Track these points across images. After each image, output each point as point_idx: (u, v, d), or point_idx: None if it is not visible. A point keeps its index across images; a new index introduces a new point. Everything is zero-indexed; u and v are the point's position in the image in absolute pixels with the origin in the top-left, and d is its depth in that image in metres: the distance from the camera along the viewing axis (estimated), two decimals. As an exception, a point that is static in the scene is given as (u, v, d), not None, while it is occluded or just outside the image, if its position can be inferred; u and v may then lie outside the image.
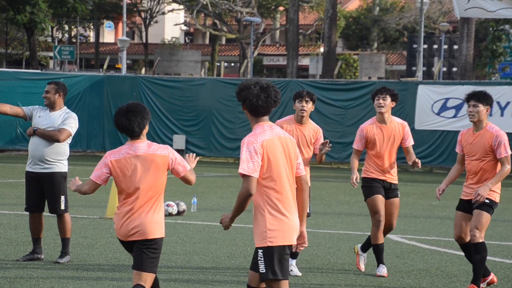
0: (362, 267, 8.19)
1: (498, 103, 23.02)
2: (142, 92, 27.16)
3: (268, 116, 5.33)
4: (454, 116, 23.47)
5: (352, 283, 7.80)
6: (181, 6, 50.18)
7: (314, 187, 18.86)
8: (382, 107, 8.11)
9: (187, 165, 5.80)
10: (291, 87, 26.01)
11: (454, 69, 32.91)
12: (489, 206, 7.34)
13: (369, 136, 8.09)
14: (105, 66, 31.28)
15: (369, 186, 8.06)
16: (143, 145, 5.68)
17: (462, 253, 9.58)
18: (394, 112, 29.85)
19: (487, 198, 7.35)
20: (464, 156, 7.54)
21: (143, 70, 51.78)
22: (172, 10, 51.25)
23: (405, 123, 8.43)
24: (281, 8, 50.34)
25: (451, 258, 9.28)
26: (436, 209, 14.51)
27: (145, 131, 5.72)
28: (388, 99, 8.18)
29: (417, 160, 7.92)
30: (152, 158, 5.66)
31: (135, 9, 49.85)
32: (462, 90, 23.76)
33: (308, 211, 8.01)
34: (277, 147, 5.12)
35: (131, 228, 5.65)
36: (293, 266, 7.98)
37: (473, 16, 25.96)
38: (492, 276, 7.52)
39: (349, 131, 25.28)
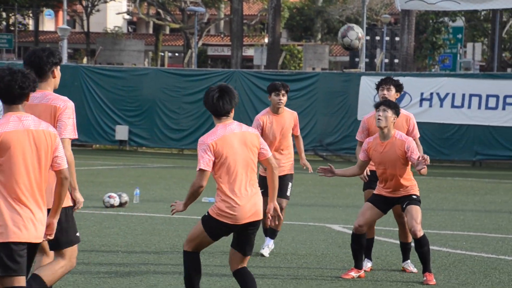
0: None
1: (437, 94, 23.42)
2: (83, 81, 26.81)
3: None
4: (396, 107, 23.82)
5: (294, 273, 7.87)
6: (124, -5, 49.60)
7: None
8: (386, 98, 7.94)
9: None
10: (236, 78, 26.01)
11: (396, 60, 33.35)
12: (418, 201, 7.61)
13: (370, 128, 8.00)
14: (46, 55, 30.71)
15: (370, 181, 8.07)
16: (234, 124, 5.74)
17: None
18: (337, 103, 30.21)
19: (413, 194, 7.63)
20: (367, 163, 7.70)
21: (84, 60, 51.08)
22: (114, -1, 50.64)
23: (411, 115, 8.11)
24: (225, -2, 50.23)
25: (391, 247, 9.43)
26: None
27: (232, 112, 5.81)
28: (393, 89, 8.02)
29: (425, 156, 7.40)
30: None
31: (76, -3, 49.13)
32: (403, 81, 24.09)
33: (287, 194, 8.58)
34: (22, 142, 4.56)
35: (250, 208, 5.69)
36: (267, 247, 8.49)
37: (414, 8, 26.32)
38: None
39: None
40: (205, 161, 5.58)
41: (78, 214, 11.11)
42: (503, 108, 22.76)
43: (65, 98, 5.36)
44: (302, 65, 43.03)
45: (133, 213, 11.74)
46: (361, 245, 7.57)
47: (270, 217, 5.76)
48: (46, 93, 5.31)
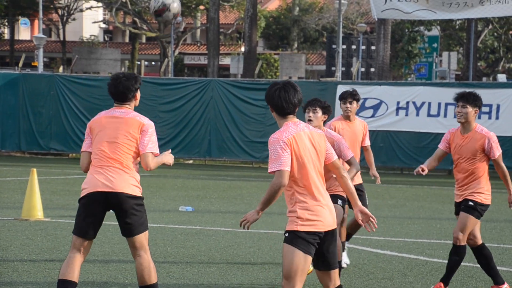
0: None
1: (413, 103, 23.58)
2: (59, 90, 26.66)
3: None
4: (372, 116, 23.91)
5: (272, 282, 7.85)
6: (100, 4, 49.49)
7: (235, 186, 18.95)
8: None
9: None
10: (212, 87, 26.01)
11: (372, 69, 33.55)
12: (473, 209, 7.27)
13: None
14: (20, 64, 30.55)
15: None
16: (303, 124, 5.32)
17: (379, 251, 9.78)
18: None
19: (471, 200, 7.32)
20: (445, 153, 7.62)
21: (60, 68, 50.79)
22: (90, 8, 50.48)
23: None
24: (201, 7, 50.26)
25: (368, 256, 9.45)
26: (354, 207, 14.74)
27: None
28: (319, 111, 8.00)
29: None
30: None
31: (51, 5, 48.89)
32: (379, 90, 24.25)
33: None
34: None
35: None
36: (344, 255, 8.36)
37: (390, 17, 26.50)
38: (506, 286, 7.42)
39: (270, 130, 25.42)
40: (284, 160, 5.07)
41: (54, 223, 11.04)
42: (479, 117, 22.93)
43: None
44: (279, 74, 43.11)
45: (110, 222, 11.66)
46: (457, 255, 7.28)
47: (363, 224, 5.25)
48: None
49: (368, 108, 24.10)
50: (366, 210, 5.28)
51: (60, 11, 49.72)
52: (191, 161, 27.06)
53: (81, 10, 50.67)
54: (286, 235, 5.17)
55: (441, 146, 7.58)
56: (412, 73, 40.27)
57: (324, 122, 7.88)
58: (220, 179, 20.82)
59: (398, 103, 23.52)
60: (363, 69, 33.98)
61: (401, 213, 14.18)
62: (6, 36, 55.27)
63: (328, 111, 7.82)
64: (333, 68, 32.56)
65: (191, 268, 8.34)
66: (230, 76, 45.52)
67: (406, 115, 23.55)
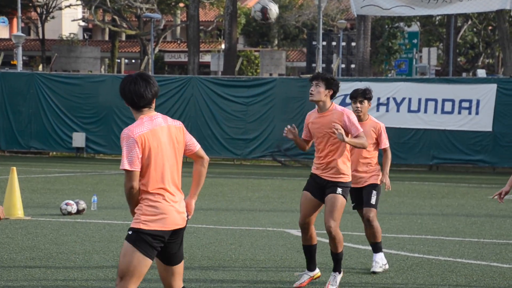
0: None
1: (394, 99, 23.66)
2: (39, 89, 26.49)
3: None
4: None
5: (253, 278, 7.86)
6: (79, 1, 49.22)
7: (217, 183, 18.92)
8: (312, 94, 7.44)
9: None
10: (193, 84, 25.96)
11: (353, 65, 33.62)
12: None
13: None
14: (-1, 62, 30.33)
15: None
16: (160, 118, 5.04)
17: (360, 246, 9.82)
18: (295, 108, 30.30)
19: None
20: None
21: (40, 67, 50.50)
22: (69, 6, 50.19)
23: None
24: (181, 5, 50.13)
25: (349, 251, 9.47)
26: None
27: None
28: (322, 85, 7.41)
29: None
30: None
31: (30, 4, 48.56)
32: (360, 86, 24.32)
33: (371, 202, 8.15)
34: None
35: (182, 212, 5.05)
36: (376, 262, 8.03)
37: (369, 14, 26.57)
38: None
39: (251, 127, 25.44)
40: (132, 159, 4.87)
41: (34, 221, 10.96)
42: (459, 112, 23.08)
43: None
44: (259, 71, 43.11)
45: (90, 220, 11.63)
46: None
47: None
48: None
49: (348, 104, 24.15)
50: (190, 203, 5.10)
51: (39, 9, 49.39)
52: (172, 159, 26.98)
53: (60, 8, 50.35)
54: (130, 232, 4.90)
55: None
56: (392, 69, 40.42)
57: (331, 97, 7.29)
58: (201, 176, 20.74)
59: (378, 99, 23.60)
60: (343, 66, 34.06)
61: (382, 208, 14.22)
62: (-15, 34, 54.83)
63: (332, 85, 7.26)
64: (313, 65, 32.60)
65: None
66: (211, 74, 45.44)
67: (387, 111, 23.63)
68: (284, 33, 53.55)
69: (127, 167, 4.85)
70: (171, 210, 4.93)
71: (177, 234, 4.96)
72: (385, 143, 8.15)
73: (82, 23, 60.84)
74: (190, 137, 5.13)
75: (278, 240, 10.26)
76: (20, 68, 29.01)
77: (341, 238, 7.35)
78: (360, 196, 8.15)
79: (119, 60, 54.43)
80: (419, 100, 23.34)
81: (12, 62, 42.03)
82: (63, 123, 26.36)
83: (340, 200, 7.26)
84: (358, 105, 8.08)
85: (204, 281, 7.63)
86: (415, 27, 43.81)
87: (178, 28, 57.54)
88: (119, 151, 26.72)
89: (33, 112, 26.13)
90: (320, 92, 7.34)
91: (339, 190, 7.28)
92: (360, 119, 8.03)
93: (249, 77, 29.78)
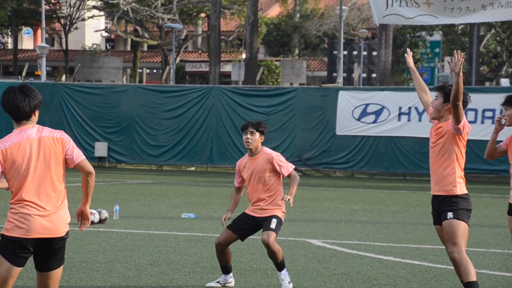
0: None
1: (416, 108, 23.56)
2: (62, 99, 26.69)
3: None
4: (374, 122, 23.91)
5: (277, 285, 7.84)
6: (102, 13, 49.57)
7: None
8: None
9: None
10: (214, 94, 26.02)
11: (374, 75, 33.53)
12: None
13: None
14: (23, 73, 30.60)
15: None
16: (34, 129, 5.09)
17: (382, 257, 9.77)
18: (315, 118, 30.29)
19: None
20: None
21: (63, 77, 50.86)
22: (92, 17, 50.57)
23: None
24: (202, 15, 50.32)
25: (371, 262, 9.42)
26: (357, 214, 14.73)
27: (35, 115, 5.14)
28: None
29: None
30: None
31: (54, 15, 48.99)
32: (381, 96, 24.24)
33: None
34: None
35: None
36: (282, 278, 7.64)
37: (392, 23, 26.50)
38: None
39: (271, 137, 25.42)
40: None
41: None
42: (482, 122, 22.93)
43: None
44: (280, 81, 43.12)
45: (113, 230, 11.67)
46: None
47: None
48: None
49: (370, 113, 24.08)
50: (83, 210, 5.21)
51: (62, 21, 49.82)
52: (193, 168, 27.05)
53: (83, 19, 50.77)
54: None
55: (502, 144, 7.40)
56: (414, 79, 40.17)
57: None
58: (222, 185, 20.80)
59: (400, 108, 23.50)
60: (364, 75, 33.99)
61: (404, 219, 14.16)
62: (10, 45, 55.36)
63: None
64: (334, 74, 32.55)
65: (194, 275, 8.33)
66: (232, 83, 45.51)
67: (409, 120, 23.52)
68: (305, 42, 53.54)
69: None
70: (32, 220, 4.98)
71: (45, 243, 5.01)
72: (287, 170, 7.60)
73: (105, 34, 61.26)
74: (72, 149, 5.14)
75: (299, 250, 10.24)
76: (44, 78, 29.26)
77: None
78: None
79: (141, 70, 54.72)
80: (441, 109, 23.21)
81: (36, 73, 42.41)
82: (85, 133, 26.52)
83: None
84: (249, 136, 7.64)
85: (226, 291, 7.62)
86: (437, 36, 43.63)
87: (199, 38, 57.73)
88: (141, 160, 27.00)
89: (56, 122, 26.32)
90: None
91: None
92: (251, 153, 7.65)
93: (270, 87, 29.80)
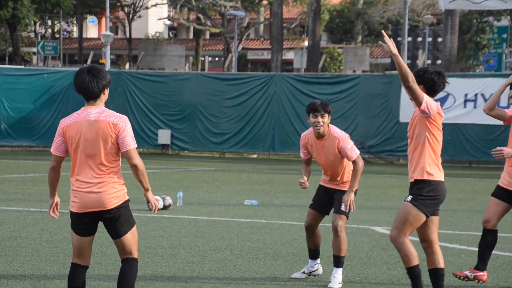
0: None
1: (482, 95, 23.10)
2: (126, 87, 27.05)
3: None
4: (439, 109, 23.57)
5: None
6: (165, 1, 50.01)
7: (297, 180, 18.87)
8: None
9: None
10: (276, 81, 26.00)
11: (439, 61, 33.00)
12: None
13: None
14: (88, 61, 31.18)
15: None
16: (96, 110, 5.41)
17: (448, 244, 9.62)
18: (379, 105, 30.04)
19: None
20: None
21: (127, 65, 51.55)
22: (155, 5, 51.06)
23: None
24: (265, 2, 50.27)
25: (458, 252, 9.28)
26: (421, 201, 14.55)
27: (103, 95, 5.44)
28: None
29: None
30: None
31: (118, 3, 49.62)
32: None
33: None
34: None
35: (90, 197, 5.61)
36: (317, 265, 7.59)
37: (459, 8, 26.00)
38: (483, 274, 7.34)
39: (334, 124, 25.24)
40: (56, 144, 5.42)
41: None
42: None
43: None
44: (343, 68, 42.83)
45: (176, 216, 11.79)
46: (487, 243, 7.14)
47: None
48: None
49: (435, 100, 23.73)
50: (145, 195, 5.50)
51: (126, 9, 50.44)
52: (255, 156, 27.12)
53: (147, 8, 51.30)
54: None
55: None
56: (480, 65, 39.46)
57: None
58: (284, 173, 20.80)
59: (466, 95, 23.09)
60: (429, 61, 33.47)
61: (470, 206, 13.93)
62: (75, 34, 56.36)
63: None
64: (398, 61, 32.12)
65: (257, 261, 8.36)
66: (294, 71, 45.39)
67: (475, 107, 23.09)
68: (368, 29, 53.01)
69: (51, 150, 5.43)
70: (82, 196, 5.34)
71: (98, 215, 5.36)
72: (352, 156, 7.36)
73: (168, 22, 61.81)
74: (124, 137, 5.35)
75: (363, 237, 10.17)
76: (108, 66, 29.70)
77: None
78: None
79: (203, 58, 55.07)
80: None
81: (100, 61, 43.07)
82: (149, 120, 26.84)
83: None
84: (320, 119, 7.40)
85: (288, 278, 7.62)
86: (504, 22, 42.62)
87: (262, 26, 57.71)
88: (204, 148, 27.19)
89: (120, 110, 26.69)
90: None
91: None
92: (318, 135, 7.44)
93: (332, 74, 29.63)
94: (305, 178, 7.48)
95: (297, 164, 24.52)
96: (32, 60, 51.99)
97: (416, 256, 6.19)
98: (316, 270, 7.60)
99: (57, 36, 50.52)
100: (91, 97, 5.40)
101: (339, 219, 7.31)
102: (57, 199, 5.52)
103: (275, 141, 25.95)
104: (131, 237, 5.41)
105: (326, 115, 7.41)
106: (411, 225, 6.13)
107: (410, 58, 32.94)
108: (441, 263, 6.30)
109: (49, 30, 52.00)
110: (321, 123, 7.36)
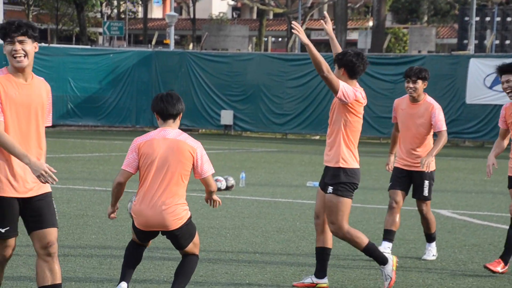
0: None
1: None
2: (190, 67, 27.22)
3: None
4: (507, 90, 23.05)
5: (404, 255, 7.73)
6: (229, -19, 49.99)
7: (363, 162, 18.73)
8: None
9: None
10: (340, 62, 25.80)
11: (507, 41, 32.23)
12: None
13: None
14: (153, 42, 31.41)
15: None
16: (174, 132, 5.50)
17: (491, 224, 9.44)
18: (444, 86, 29.55)
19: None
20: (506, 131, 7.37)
21: (190, 46, 51.80)
22: (219, -15, 51.13)
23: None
24: (329, -18, 49.82)
25: (503, 233, 9.11)
26: (488, 184, 14.30)
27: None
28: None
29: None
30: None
31: (182, -16, 49.86)
32: (515, 63, 23.31)
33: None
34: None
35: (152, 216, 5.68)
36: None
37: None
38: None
39: (398, 105, 25.02)
40: (128, 160, 5.42)
41: (187, 197, 11.32)
42: None
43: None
44: (407, 48, 42.22)
45: (239, 197, 11.85)
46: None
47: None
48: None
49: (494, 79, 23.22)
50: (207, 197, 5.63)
51: (190, -10, 50.64)
52: (317, 137, 27.01)
53: (210, -12, 51.36)
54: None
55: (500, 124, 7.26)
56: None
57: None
58: (348, 154, 20.68)
59: (535, 76, 22.52)
60: (497, 42, 32.73)
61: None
62: (140, 14, 56.94)
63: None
64: (465, 41, 31.52)
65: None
66: (358, 51, 44.85)
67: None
68: (434, 9, 52.08)
69: (122, 166, 5.43)
70: (145, 215, 5.37)
71: (166, 233, 5.45)
72: (440, 126, 7.50)
73: (231, 2, 61.87)
74: (203, 163, 5.44)
75: (427, 220, 10.03)
76: (172, 47, 29.92)
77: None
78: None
79: (266, 39, 55.00)
80: None
81: (164, 41, 43.44)
82: (212, 101, 26.98)
83: None
84: (411, 85, 7.54)
85: (352, 259, 7.58)
86: None
87: (326, 6, 57.28)
88: (266, 129, 27.21)
89: (184, 90, 26.90)
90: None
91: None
92: (413, 99, 7.60)
93: (397, 55, 29.24)
94: (391, 157, 7.82)
95: (360, 146, 24.32)
96: (98, 40, 52.78)
97: (364, 235, 6.27)
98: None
99: (123, 16, 51.11)
100: (170, 116, 5.45)
101: (423, 205, 7.66)
102: (117, 206, 5.57)
103: (338, 122, 25.80)
104: (192, 246, 5.54)
105: (419, 81, 7.51)
106: (344, 213, 6.20)
107: (478, 38, 32.26)
108: (330, 244, 6.39)
109: (115, 11, 52.63)
110: (413, 88, 7.51)
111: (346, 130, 6.20)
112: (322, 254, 6.39)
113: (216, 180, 12.38)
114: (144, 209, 5.36)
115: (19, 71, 4.62)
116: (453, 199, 12.12)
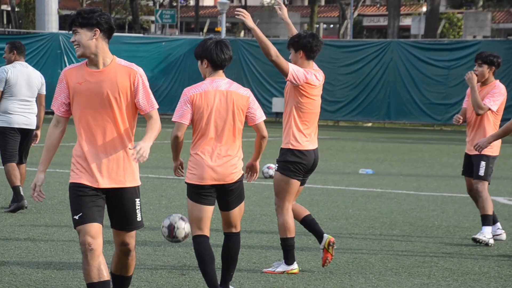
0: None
1: None
2: (241, 55, 27.25)
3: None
4: None
5: (459, 243, 7.63)
6: (280, -32, 49.74)
7: (416, 149, 18.55)
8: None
9: None
10: (392, 48, 25.52)
11: None
12: None
13: None
14: (205, 30, 31.56)
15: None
16: (224, 81, 5.39)
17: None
18: (501, 72, 29.23)
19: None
20: None
21: (242, 33, 51.89)
22: (271, -28, 51.02)
23: None
24: (381, -33, 49.28)
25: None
26: (545, 172, 14.01)
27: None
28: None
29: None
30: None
31: (234, -28, 49.87)
32: None
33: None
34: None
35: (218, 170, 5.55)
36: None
37: None
38: None
39: (452, 92, 24.64)
40: (182, 112, 5.30)
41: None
42: None
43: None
44: (462, 34, 41.55)
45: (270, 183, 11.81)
46: None
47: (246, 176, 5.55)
48: None
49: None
50: (253, 164, 5.55)
51: (241, -23, 50.62)
52: (370, 124, 26.80)
53: (262, -25, 51.32)
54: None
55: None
56: None
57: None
58: (400, 141, 20.48)
59: None
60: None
61: None
62: (192, 2, 57.18)
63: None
64: (521, 26, 30.89)
65: (373, 230, 8.28)
66: (411, 37, 44.40)
67: None
68: (489, -7, 51.10)
69: (176, 119, 5.34)
70: (204, 169, 5.30)
71: (218, 187, 5.33)
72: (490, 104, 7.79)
73: (282, -11, 61.68)
74: (256, 108, 5.43)
75: (483, 208, 9.87)
76: (223, 34, 29.98)
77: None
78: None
79: (317, 25, 54.67)
80: None
81: (216, 29, 43.54)
82: (263, 88, 26.98)
83: None
84: (477, 68, 7.82)
85: (406, 247, 7.51)
86: None
87: (378, -9, 56.67)
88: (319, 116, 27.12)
89: (235, 78, 26.93)
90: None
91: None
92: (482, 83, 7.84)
93: (451, 40, 28.81)
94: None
95: (413, 133, 24.09)
96: (150, 28, 53.19)
97: (293, 230, 6.33)
98: (499, 234, 7.82)
99: (175, 4, 51.36)
100: (222, 66, 5.37)
101: (478, 183, 7.73)
102: (180, 160, 5.52)
103: (390, 110, 25.55)
104: (238, 212, 5.47)
105: (485, 65, 7.74)
106: (287, 192, 6.31)
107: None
108: (306, 212, 6.55)
109: (167, -1, 52.95)
110: (477, 71, 7.76)
111: (298, 112, 6.26)
112: (311, 221, 6.58)
113: (268, 168, 12.38)
114: (204, 164, 5.28)
115: (88, 59, 4.73)
116: (510, 187, 11.94)
